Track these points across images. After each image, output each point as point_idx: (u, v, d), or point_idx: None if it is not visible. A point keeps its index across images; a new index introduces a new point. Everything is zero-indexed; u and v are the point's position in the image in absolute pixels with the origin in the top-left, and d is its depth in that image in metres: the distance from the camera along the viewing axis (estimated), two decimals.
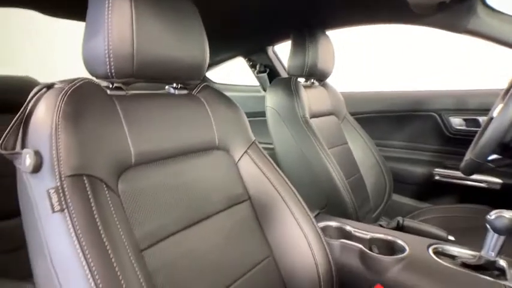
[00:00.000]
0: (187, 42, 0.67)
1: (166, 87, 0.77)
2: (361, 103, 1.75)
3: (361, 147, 1.49)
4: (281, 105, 1.28)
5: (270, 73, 1.86)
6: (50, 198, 0.46)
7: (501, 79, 1.25)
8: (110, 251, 0.46)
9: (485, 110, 1.41)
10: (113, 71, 0.57)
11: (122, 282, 0.45)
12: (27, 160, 0.48)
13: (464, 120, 1.51)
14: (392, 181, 1.51)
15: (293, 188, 0.81)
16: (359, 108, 1.73)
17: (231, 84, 2.15)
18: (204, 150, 0.74)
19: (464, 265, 0.80)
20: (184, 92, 0.78)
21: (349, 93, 1.64)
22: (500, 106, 1.09)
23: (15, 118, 0.52)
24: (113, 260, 0.45)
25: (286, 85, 1.30)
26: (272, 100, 1.32)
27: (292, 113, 1.25)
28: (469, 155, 1.08)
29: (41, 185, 0.48)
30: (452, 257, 0.85)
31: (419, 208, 1.48)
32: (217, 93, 0.82)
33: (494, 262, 0.79)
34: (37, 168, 0.48)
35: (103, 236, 0.46)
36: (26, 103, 0.53)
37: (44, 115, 0.50)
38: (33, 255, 0.51)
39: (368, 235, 0.93)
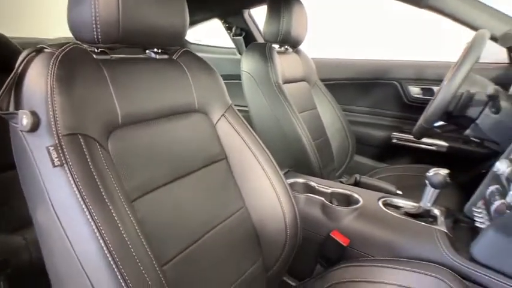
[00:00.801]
0: (168, 9, 0.71)
1: (147, 51, 0.81)
2: (330, 70, 1.84)
3: (329, 112, 1.60)
4: (256, 70, 1.35)
5: (246, 36, 1.89)
6: (50, 154, 0.52)
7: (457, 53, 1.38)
8: (106, 200, 0.53)
9: (440, 81, 1.56)
10: (99, 36, 0.60)
11: (120, 225, 0.53)
12: (24, 120, 0.53)
13: (421, 89, 1.65)
14: (355, 143, 1.65)
15: (265, 148, 0.90)
16: (329, 75, 1.82)
17: (206, 45, 2.16)
18: (184, 112, 0.80)
19: (407, 214, 0.96)
20: (165, 56, 0.81)
21: (319, 60, 1.72)
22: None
23: (7, 81, 0.55)
24: (110, 207, 0.53)
25: (261, 51, 1.36)
26: (247, 65, 1.38)
27: (266, 78, 1.32)
28: (420, 121, 1.22)
29: (39, 143, 0.53)
30: (397, 208, 1.01)
31: (377, 167, 1.65)
32: (196, 58, 0.87)
33: (429, 211, 0.95)
34: (34, 127, 0.53)
35: (100, 186, 0.53)
36: (17, 66, 0.56)
37: (37, 78, 0.55)
38: (34, 205, 0.57)
39: (329, 190, 1.06)
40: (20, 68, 0.56)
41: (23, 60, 0.56)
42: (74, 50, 0.60)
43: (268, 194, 0.87)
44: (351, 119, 1.72)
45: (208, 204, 0.79)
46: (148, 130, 0.70)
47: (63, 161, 0.52)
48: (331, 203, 1.01)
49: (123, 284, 0.49)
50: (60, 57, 0.57)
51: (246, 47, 1.92)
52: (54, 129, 0.53)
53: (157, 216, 0.66)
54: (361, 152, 1.77)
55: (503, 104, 1.04)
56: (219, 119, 0.88)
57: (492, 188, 0.89)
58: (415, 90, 1.66)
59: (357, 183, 1.19)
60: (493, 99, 1.03)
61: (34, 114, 0.53)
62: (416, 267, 0.79)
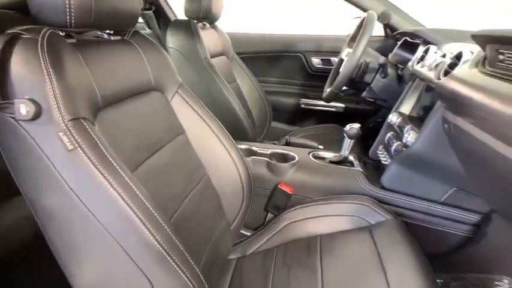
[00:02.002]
0: None
1: (99, 33, 0.81)
2: (243, 44, 1.98)
3: (247, 84, 1.75)
4: (184, 46, 1.39)
5: (155, 11, 1.85)
6: (61, 140, 0.53)
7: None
8: (122, 173, 0.57)
9: (336, 52, 1.85)
10: (73, 21, 0.61)
11: (138, 192, 0.58)
12: (22, 109, 0.52)
13: (321, 60, 1.93)
14: (271, 111, 1.86)
15: (217, 119, 1.00)
16: (242, 49, 1.95)
17: None
18: (145, 91, 0.83)
19: (331, 162, 1.21)
20: (118, 37, 0.83)
21: (233, 35, 1.83)
22: (347, 50, 1.50)
23: None
24: (126, 178, 0.58)
25: (186, 27, 1.40)
26: (174, 42, 1.41)
27: (196, 54, 1.38)
28: (329, 88, 1.48)
29: (44, 131, 0.53)
30: (323, 158, 1.24)
31: (291, 130, 1.90)
32: (144, 38, 0.90)
33: (347, 157, 1.21)
34: (37, 115, 0.53)
35: (113, 163, 0.57)
36: None
37: (30, 66, 0.54)
38: (38, 191, 0.57)
39: (269, 151, 1.23)
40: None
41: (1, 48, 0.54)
42: (53, 35, 0.59)
43: (225, 160, 0.98)
44: (266, 89, 1.90)
45: (179, 176, 0.86)
46: (122, 110, 0.73)
47: (76, 145, 0.54)
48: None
49: (154, 242, 0.56)
50: (45, 43, 0.56)
51: (157, 21, 1.90)
52: (59, 115, 0.54)
53: (149, 187, 0.71)
54: (276, 118, 1.99)
55: (389, 70, 1.35)
56: (173, 96, 0.93)
57: (389, 134, 1.19)
58: (316, 61, 1.94)
59: (287, 143, 1.39)
60: (382, 66, 1.33)
61: (34, 102, 0.52)
62: (346, 199, 1.03)
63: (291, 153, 1.22)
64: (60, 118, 0.54)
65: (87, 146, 0.55)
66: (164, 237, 0.58)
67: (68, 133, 0.54)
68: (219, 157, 0.98)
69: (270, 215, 1.15)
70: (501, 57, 0.70)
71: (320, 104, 1.94)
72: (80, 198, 0.55)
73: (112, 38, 0.81)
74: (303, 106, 1.99)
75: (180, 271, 0.59)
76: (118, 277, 0.59)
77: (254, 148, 1.24)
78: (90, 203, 0.55)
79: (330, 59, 1.90)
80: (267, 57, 2.00)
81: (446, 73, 0.90)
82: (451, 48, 0.99)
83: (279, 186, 1.11)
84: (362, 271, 0.82)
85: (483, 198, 0.96)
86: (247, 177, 1.00)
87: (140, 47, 0.85)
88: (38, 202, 0.58)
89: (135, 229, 0.56)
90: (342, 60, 1.53)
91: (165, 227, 0.60)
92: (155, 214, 0.59)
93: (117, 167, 0.57)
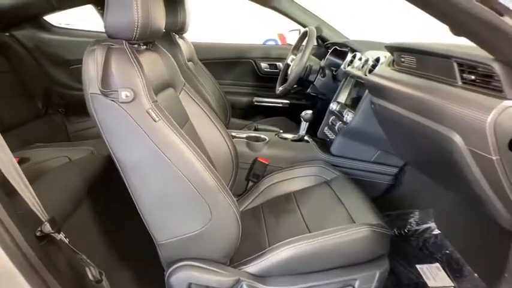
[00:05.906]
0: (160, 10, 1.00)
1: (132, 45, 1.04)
2: (206, 52, 2.27)
3: (210, 86, 2.04)
4: None
5: None
6: (150, 115, 0.80)
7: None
8: (185, 135, 0.85)
9: (280, 58, 2.26)
10: (137, 36, 0.85)
11: (197, 149, 0.86)
12: (123, 95, 0.77)
13: (269, 64, 2.33)
14: (231, 108, 2.18)
15: (212, 110, 1.29)
16: (204, 56, 2.24)
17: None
18: (166, 87, 1.10)
19: (292, 140, 1.58)
20: (144, 47, 1.08)
21: (196, 43, 2.11)
22: (292, 56, 1.91)
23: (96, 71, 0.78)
24: (188, 139, 0.85)
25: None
26: None
27: (177, 61, 1.64)
28: (280, 86, 1.86)
29: (138, 109, 0.79)
30: (286, 138, 1.61)
31: (247, 124, 2.24)
32: (159, 47, 1.16)
33: (304, 136, 1.60)
34: (133, 99, 0.78)
35: (179, 129, 0.85)
36: (101, 59, 0.78)
37: (126, 66, 0.79)
38: (131, 152, 0.83)
39: (245, 135, 1.56)
40: (102, 59, 0.79)
41: (104, 54, 0.79)
42: (129, 46, 0.84)
43: (220, 141, 1.28)
44: (224, 89, 2.22)
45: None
46: (160, 100, 1.00)
47: (159, 118, 0.81)
48: None
49: (212, 180, 0.85)
50: (129, 49, 0.82)
51: None
52: (147, 98, 0.80)
53: None
54: (233, 115, 2.31)
55: (327, 71, 1.79)
56: (180, 92, 1.21)
57: (331, 118, 1.61)
58: (264, 66, 2.33)
59: (256, 129, 1.74)
60: (322, 69, 1.76)
61: (131, 90, 0.78)
62: (308, 164, 1.41)
63: (262, 136, 1.57)
64: (148, 100, 0.80)
65: (165, 118, 0.82)
66: (216, 178, 0.88)
67: (154, 110, 0.80)
68: (216, 138, 1.28)
69: (250, 184, 1.48)
70: (403, 59, 1.15)
71: (269, 101, 2.33)
72: (163, 152, 0.81)
73: (142, 47, 1.06)
74: (255, 103, 2.36)
75: (229, 200, 0.89)
76: (187, 206, 0.87)
77: (233, 133, 1.56)
78: (170, 155, 0.82)
79: (276, 64, 2.31)
80: (223, 63, 2.33)
81: (370, 71, 1.34)
82: (371, 54, 1.44)
83: (258, 159, 1.44)
84: (329, 207, 1.20)
85: (399, 156, 1.42)
86: (236, 153, 1.32)
87: (159, 54, 1.12)
88: (128, 159, 0.83)
89: (200, 172, 0.85)
90: (288, 65, 1.94)
91: (215, 171, 0.89)
92: (208, 162, 0.88)
93: (182, 131, 0.85)
